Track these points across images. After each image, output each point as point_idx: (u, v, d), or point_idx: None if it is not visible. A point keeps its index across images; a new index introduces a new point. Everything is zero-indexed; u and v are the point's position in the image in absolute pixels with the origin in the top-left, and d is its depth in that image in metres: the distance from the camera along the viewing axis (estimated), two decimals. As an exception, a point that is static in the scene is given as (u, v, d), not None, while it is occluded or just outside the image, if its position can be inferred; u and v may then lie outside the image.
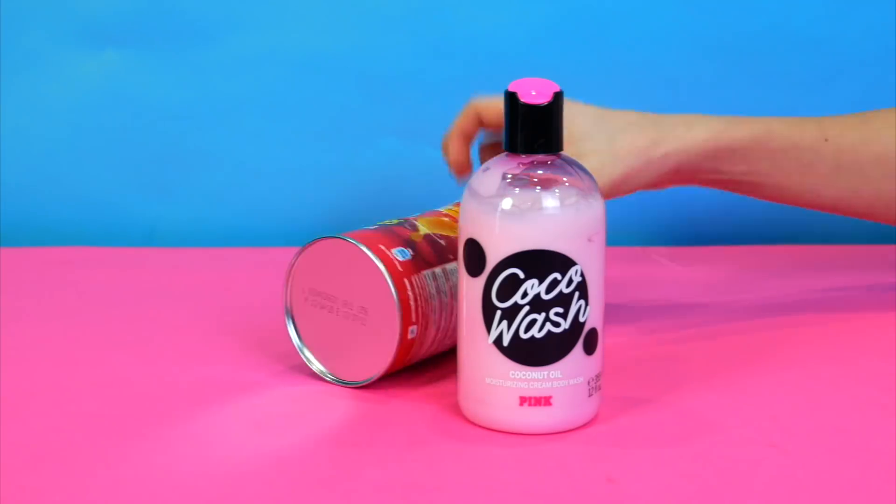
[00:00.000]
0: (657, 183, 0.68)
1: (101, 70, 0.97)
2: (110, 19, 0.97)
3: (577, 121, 0.65)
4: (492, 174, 0.58)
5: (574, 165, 0.59)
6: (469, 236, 0.58)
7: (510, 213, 0.57)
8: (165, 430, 0.59)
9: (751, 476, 0.52)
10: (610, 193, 0.65)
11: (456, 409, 0.60)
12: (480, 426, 0.59)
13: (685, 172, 0.67)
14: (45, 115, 0.99)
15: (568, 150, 0.59)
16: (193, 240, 0.99)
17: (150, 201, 1.00)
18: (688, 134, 0.66)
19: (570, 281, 0.56)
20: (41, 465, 0.54)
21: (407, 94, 0.98)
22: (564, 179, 0.58)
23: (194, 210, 1.01)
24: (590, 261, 0.58)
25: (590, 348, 0.59)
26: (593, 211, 0.58)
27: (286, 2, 0.98)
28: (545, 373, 0.57)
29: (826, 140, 0.68)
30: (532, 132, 0.58)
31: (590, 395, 0.59)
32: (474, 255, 0.58)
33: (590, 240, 0.57)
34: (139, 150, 0.99)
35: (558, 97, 0.57)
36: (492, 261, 0.57)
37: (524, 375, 0.57)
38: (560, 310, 0.56)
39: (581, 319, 0.57)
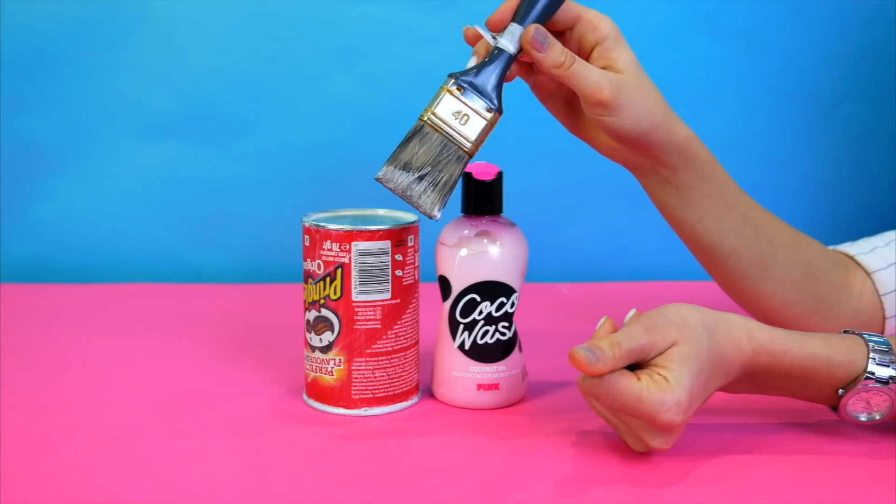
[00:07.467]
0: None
1: (164, 155, 1.08)
2: (170, 119, 1.07)
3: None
4: (453, 229, 0.66)
5: (509, 223, 0.66)
6: (440, 273, 0.66)
7: (467, 257, 0.65)
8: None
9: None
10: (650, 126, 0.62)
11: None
12: (450, 405, 0.67)
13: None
14: (122, 187, 1.08)
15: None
16: (231, 278, 1.10)
17: (199, 249, 1.10)
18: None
19: (513, 303, 0.66)
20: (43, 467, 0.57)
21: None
22: (503, 233, 0.66)
23: (231, 255, 1.11)
24: (520, 288, 0.67)
25: (520, 348, 0.68)
26: (523, 254, 0.66)
27: (298, 102, 1.07)
28: (495, 367, 0.66)
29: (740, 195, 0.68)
30: (481, 200, 0.66)
31: (522, 380, 0.68)
32: (444, 286, 0.66)
33: (521, 274, 0.66)
34: (190, 213, 1.09)
35: (499, 175, 0.65)
36: (456, 289, 0.66)
37: (480, 369, 0.66)
38: (506, 323, 0.66)
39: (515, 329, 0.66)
